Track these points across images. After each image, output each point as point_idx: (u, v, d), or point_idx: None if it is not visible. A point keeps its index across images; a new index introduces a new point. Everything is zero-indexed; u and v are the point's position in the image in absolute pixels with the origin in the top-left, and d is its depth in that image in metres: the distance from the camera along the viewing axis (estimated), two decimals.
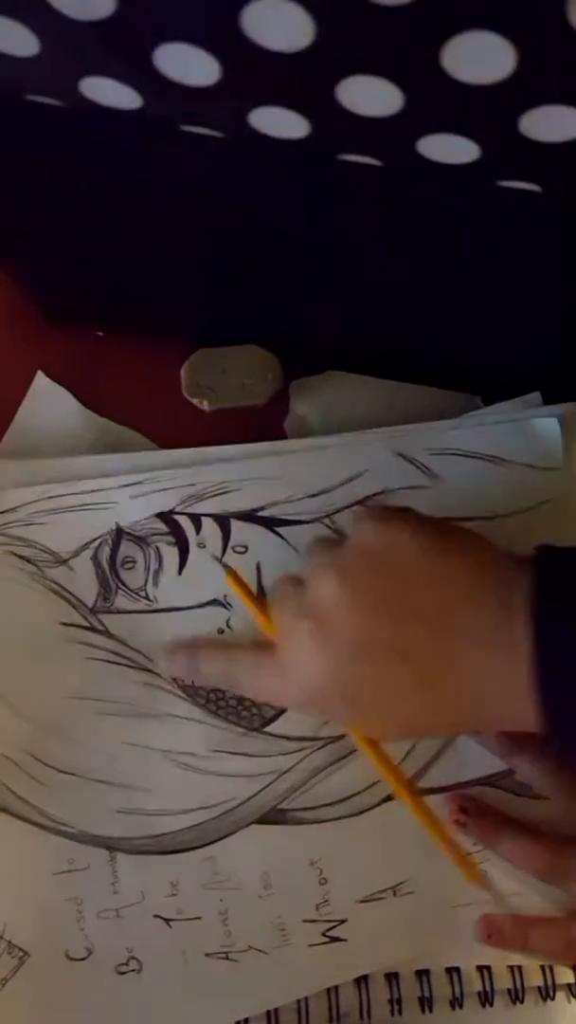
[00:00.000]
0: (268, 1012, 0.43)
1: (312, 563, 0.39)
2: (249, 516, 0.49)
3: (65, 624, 0.47)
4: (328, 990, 0.43)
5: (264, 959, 0.43)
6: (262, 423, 0.51)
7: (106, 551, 0.48)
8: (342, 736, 0.46)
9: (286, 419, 0.52)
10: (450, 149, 0.28)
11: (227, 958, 0.43)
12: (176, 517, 0.49)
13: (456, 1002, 0.43)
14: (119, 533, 0.48)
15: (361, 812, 0.45)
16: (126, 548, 0.48)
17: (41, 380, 0.52)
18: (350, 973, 0.43)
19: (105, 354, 0.52)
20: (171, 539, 0.48)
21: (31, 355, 0.52)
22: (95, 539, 0.48)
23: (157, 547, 0.48)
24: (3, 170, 0.36)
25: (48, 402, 0.51)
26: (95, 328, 0.52)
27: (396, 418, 0.48)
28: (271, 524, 0.49)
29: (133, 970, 0.43)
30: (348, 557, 0.38)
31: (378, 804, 0.45)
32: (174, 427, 0.51)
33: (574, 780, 0.44)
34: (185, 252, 0.40)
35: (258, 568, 0.48)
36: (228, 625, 0.48)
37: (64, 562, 0.48)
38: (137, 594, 0.48)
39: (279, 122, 0.28)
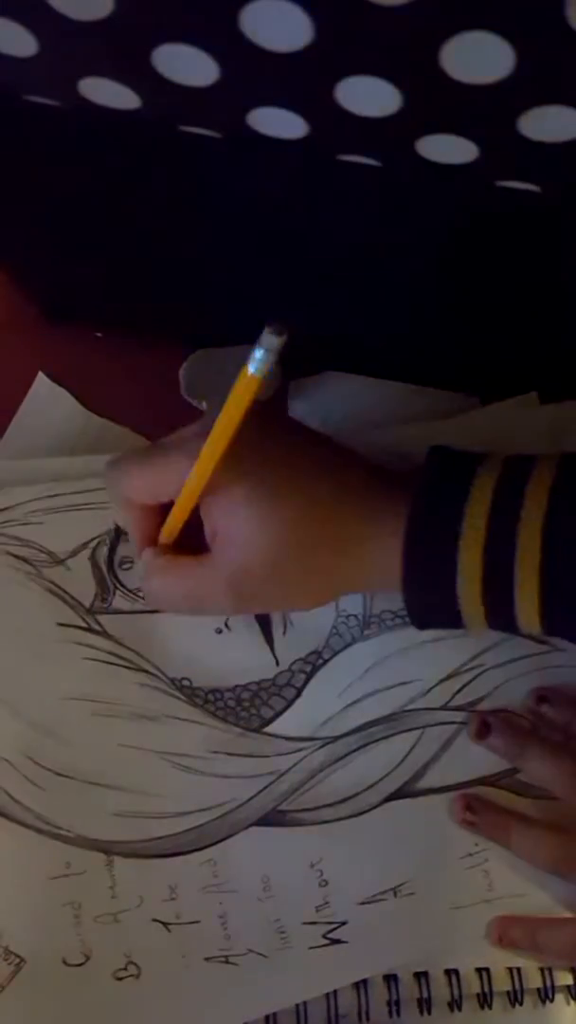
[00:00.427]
0: (267, 1015, 0.42)
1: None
2: None
3: (62, 624, 0.47)
4: (327, 992, 0.43)
5: (264, 962, 0.43)
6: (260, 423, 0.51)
7: (104, 551, 0.48)
8: (342, 736, 0.46)
9: None
10: (449, 149, 0.28)
11: (227, 962, 0.43)
12: None
13: (455, 1004, 0.43)
14: (117, 533, 0.48)
15: (361, 813, 0.45)
16: (124, 548, 0.48)
17: (41, 380, 0.52)
18: (351, 976, 0.43)
19: (105, 354, 0.52)
20: None
21: (31, 355, 0.52)
22: (93, 539, 0.48)
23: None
24: (2, 170, 0.36)
25: (48, 402, 0.51)
26: (95, 328, 0.52)
27: (395, 418, 0.48)
28: None
29: (131, 975, 0.43)
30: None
31: (378, 805, 0.45)
32: (173, 428, 0.50)
33: None
34: (184, 252, 0.40)
35: None
36: (226, 625, 0.48)
37: (61, 562, 0.48)
38: (135, 594, 0.48)
39: (278, 122, 0.28)
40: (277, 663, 0.47)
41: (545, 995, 0.44)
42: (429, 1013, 0.43)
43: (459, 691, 0.46)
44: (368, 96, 0.26)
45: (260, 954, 0.43)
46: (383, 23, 0.24)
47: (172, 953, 0.43)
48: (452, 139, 0.28)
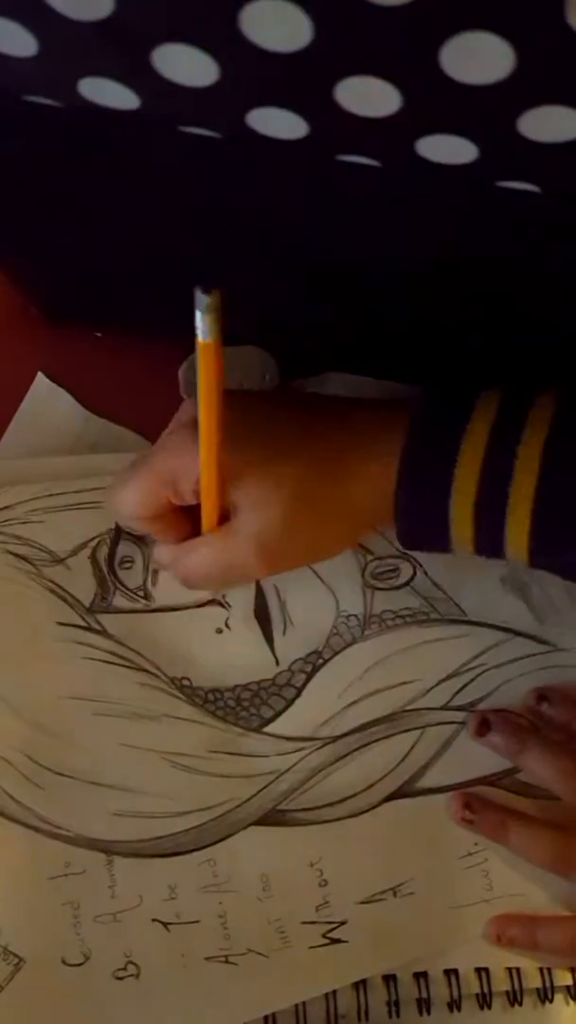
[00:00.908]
0: (267, 1015, 0.42)
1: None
2: None
3: (62, 624, 0.47)
4: (326, 992, 0.43)
5: (264, 962, 0.43)
6: None
7: (104, 550, 0.48)
8: (341, 736, 0.46)
9: None
10: (449, 149, 0.28)
11: (226, 961, 0.43)
12: None
13: (454, 1004, 0.43)
14: (118, 532, 0.48)
15: (361, 813, 0.45)
16: (124, 548, 0.48)
17: (41, 381, 0.52)
18: (351, 976, 0.43)
19: (104, 354, 0.52)
20: None
21: (31, 355, 0.52)
22: (93, 538, 0.48)
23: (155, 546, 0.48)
24: (2, 170, 0.36)
25: (48, 402, 0.51)
26: (94, 328, 0.52)
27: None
28: None
29: (131, 975, 0.43)
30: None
31: (378, 804, 0.45)
32: None
33: None
34: (184, 252, 0.40)
35: None
36: (227, 625, 0.48)
37: (61, 561, 0.48)
38: (135, 594, 0.48)
39: (277, 123, 0.28)
40: (277, 663, 0.47)
41: (544, 995, 0.44)
42: (429, 1013, 0.43)
43: (459, 691, 0.47)
44: (368, 96, 0.26)
45: (260, 954, 0.43)
46: (383, 23, 0.24)
47: (172, 953, 0.43)
48: (452, 139, 0.28)
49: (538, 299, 0.38)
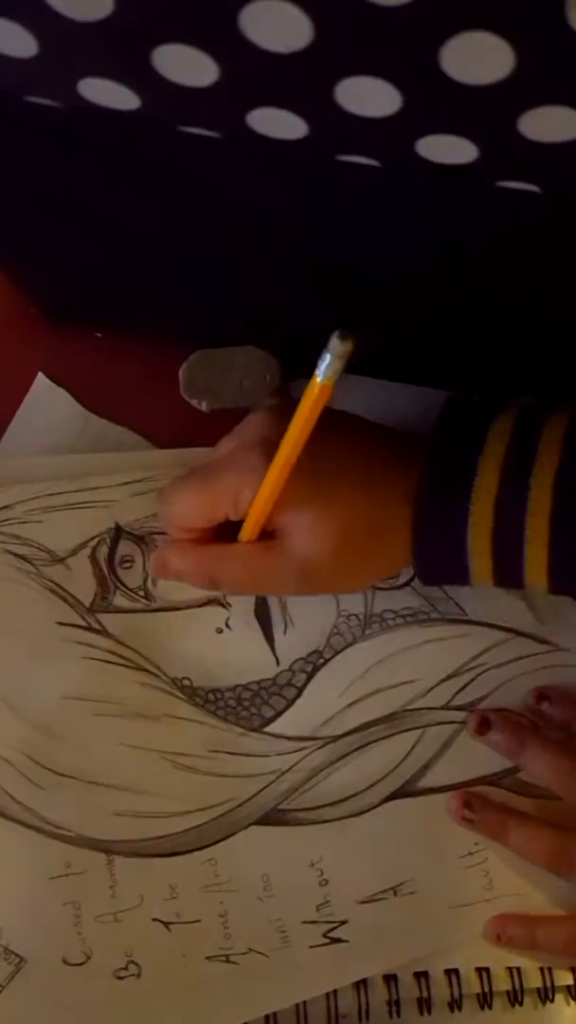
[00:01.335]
0: (267, 1014, 0.42)
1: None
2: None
3: (62, 623, 0.47)
4: (327, 992, 0.43)
5: (265, 962, 0.43)
6: None
7: (104, 550, 0.48)
8: (342, 736, 0.46)
9: None
10: (449, 149, 0.28)
11: (227, 961, 0.43)
12: None
13: (455, 1004, 0.43)
14: (118, 532, 0.48)
15: (361, 812, 0.45)
16: (125, 547, 0.48)
17: (41, 380, 0.52)
18: (352, 975, 0.43)
19: (104, 355, 0.52)
20: None
21: (31, 356, 0.52)
22: (93, 538, 0.48)
23: (156, 546, 0.48)
24: (1, 171, 0.36)
25: (48, 403, 0.51)
26: (95, 329, 0.52)
27: (395, 419, 0.48)
28: None
29: (132, 975, 0.42)
30: None
31: (379, 804, 0.45)
32: (173, 428, 0.51)
33: None
34: (184, 252, 0.40)
35: None
36: (227, 625, 0.48)
37: (61, 561, 0.48)
38: (135, 593, 0.48)
39: (277, 123, 0.28)
40: (278, 662, 0.47)
41: (545, 995, 0.43)
42: (429, 1013, 0.43)
43: (460, 691, 0.47)
44: (368, 96, 0.26)
45: (260, 953, 0.43)
46: (383, 23, 0.24)
47: (173, 952, 0.43)
48: (452, 139, 0.28)
49: (538, 299, 0.38)
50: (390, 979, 0.43)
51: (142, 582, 0.48)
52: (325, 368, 0.35)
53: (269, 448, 0.39)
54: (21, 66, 0.27)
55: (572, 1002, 0.44)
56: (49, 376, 0.52)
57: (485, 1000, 0.43)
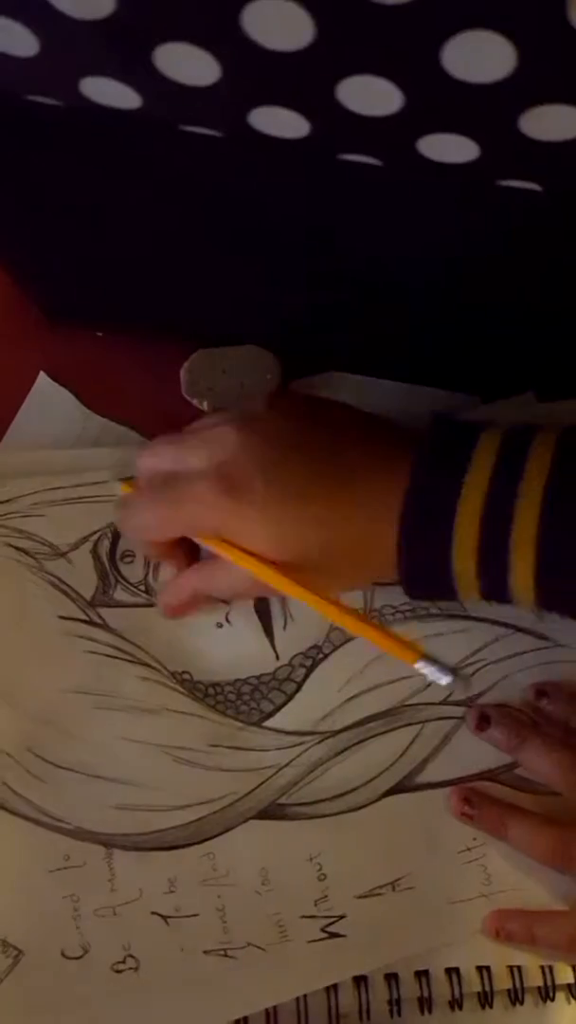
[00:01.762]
0: (267, 1013, 0.42)
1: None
2: None
3: (63, 617, 0.47)
4: (327, 990, 0.43)
5: (263, 956, 0.43)
6: None
7: (106, 544, 0.48)
8: (341, 731, 0.46)
9: None
10: (450, 148, 0.28)
11: (225, 955, 0.43)
12: None
13: (455, 1003, 0.43)
14: None
15: (360, 807, 0.45)
16: (126, 542, 0.48)
17: (42, 380, 0.52)
18: (350, 970, 0.43)
19: (106, 354, 0.52)
20: None
21: (32, 355, 0.52)
22: (95, 532, 0.48)
23: None
24: (3, 170, 0.36)
25: (49, 402, 0.52)
26: (96, 328, 0.52)
27: (395, 418, 0.48)
28: None
29: (130, 968, 0.43)
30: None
31: (377, 799, 0.45)
32: (174, 427, 0.50)
33: None
34: (185, 251, 0.40)
35: None
36: (227, 619, 0.48)
37: (63, 555, 0.48)
38: (136, 588, 0.48)
39: (279, 122, 0.28)
40: (277, 657, 0.47)
41: (546, 994, 0.43)
42: (430, 1012, 0.43)
43: None
44: (370, 95, 0.26)
45: (259, 947, 0.43)
46: (385, 22, 0.24)
47: (171, 946, 0.43)
48: (453, 138, 0.28)
49: (538, 297, 0.38)
50: (391, 978, 0.43)
51: (143, 576, 0.48)
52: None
53: (231, 472, 0.39)
54: (23, 65, 0.27)
55: (573, 1001, 0.44)
56: (50, 375, 0.52)
57: (486, 999, 0.43)
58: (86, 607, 0.47)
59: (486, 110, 0.26)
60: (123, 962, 0.43)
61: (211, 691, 0.46)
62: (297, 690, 0.47)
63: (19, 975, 0.42)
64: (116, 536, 0.48)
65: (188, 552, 0.45)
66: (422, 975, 0.43)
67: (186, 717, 0.46)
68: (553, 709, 0.46)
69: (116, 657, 0.46)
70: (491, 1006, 0.43)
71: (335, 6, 0.24)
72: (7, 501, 0.48)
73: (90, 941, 0.43)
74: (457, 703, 0.46)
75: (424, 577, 0.40)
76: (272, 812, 0.45)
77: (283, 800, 0.45)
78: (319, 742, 0.46)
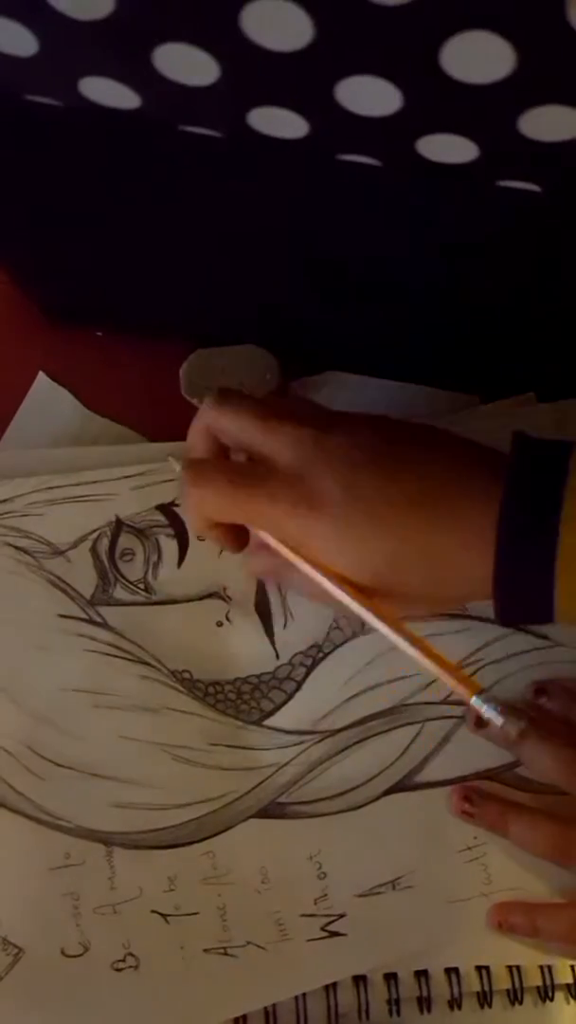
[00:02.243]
0: (267, 1012, 0.42)
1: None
2: None
3: (63, 616, 0.47)
4: (327, 990, 0.43)
5: (262, 954, 0.43)
6: None
7: (105, 543, 0.48)
8: (341, 730, 0.46)
9: None
10: (449, 149, 0.28)
11: (225, 953, 0.43)
12: (176, 509, 0.49)
13: (455, 1003, 0.43)
14: (119, 525, 0.48)
15: (360, 806, 0.45)
16: (125, 540, 0.48)
17: (42, 380, 0.52)
18: (350, 969, 0.43)
19: (105, 354, 0.52)
20: (171, 531, 0.48)
21: (31, 355, 0.52)
22: (94, 531, 0.48)
23: (157, 539, 0.48)
24: (2, 170, 0.36)
25: (48, 402, 0.52)
26: (95, 328, 0.52)
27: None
28: None
29: (130, 966, 0.43)
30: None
31: (377, 798, 0.45)
32: (173, 427, 0.50)
33: None
34: (184, 252, 0.40)
35: None
36: (227, 618, 0.48)
37: (62, 553, 0.48)
38: (136, 586, 0.48)
39: (278, 122, 0.28)
40: (277, 656, 0.47)
41: (545, 994, 0.43)
42: (429, 1011, 0.43)
43: None
44: (369, 96, 0.26)
45: (258, 946, 0.43)
46: (384, 23, 0.24)
47: (171, 945, 0.43)
48: (452, 139, 0.28)
49: (538, 297, 0.38)
50: (390, 978, 0.43)
51: (142, 575, 0.48)
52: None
53: (311, 482, 0.38)
54: (22, 65, 0.27)
55: (572, 1001, 0.44)
56: (50, 375, 0.52)
57: (485, 999, 0.43)
58: (85, 606, 0.47)
59: (485, 111, 0.26)
60: (123, 960, 0.43)
61: (211, 690, 0.46)
62: (297, 689, 0.47)
63: (19, 973, 0.42)
64: (115, 535, 0.48)
65: (239, 536, 0.44)
66: (421, 975, 0.43)
67: (186, 716, 0.46)
68: (553, 707, 0.46)
69: (116, 656, 0.46)
70: (490, 1006, 0.43)
71: (334, 6, 0.24)
72: (6, 500, 0.48)
73: (90, 939, 0.43)
74: (457, 703, 0.46)
75: (522, 611, 0.38)
76: (272, 811, 0.45)
77: (283, 799, 0.45)
78: (319, 741, 0.46)
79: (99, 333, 0.53)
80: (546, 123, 0.26)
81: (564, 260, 0.35)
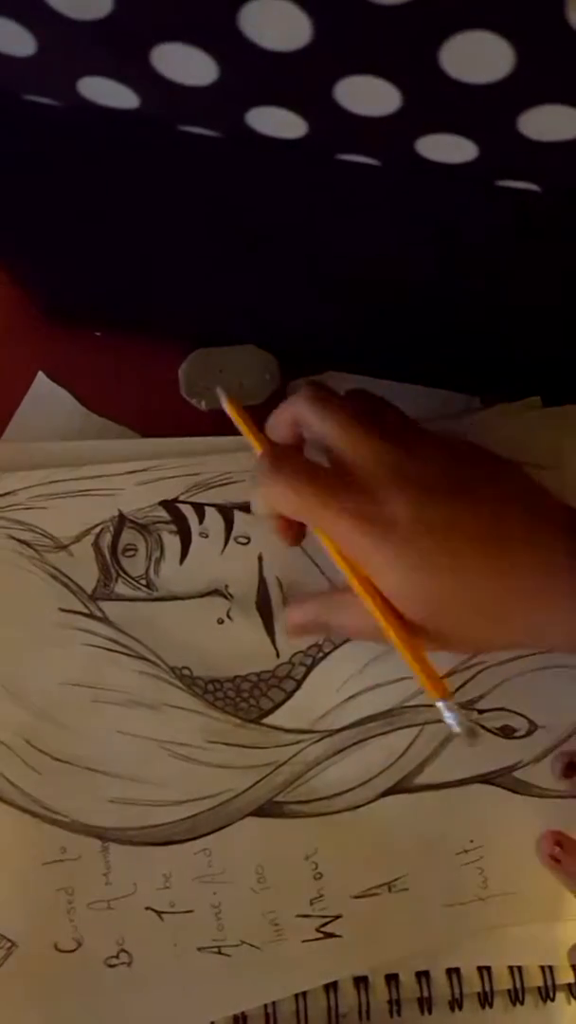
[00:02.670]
0: (267, 1012, 0.43)
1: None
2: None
3: (64, 610, 0.47)
4: (327, 991, 0.43)
5: (257, 954, 0.43)
6: (260, 423, 0.51)
7: (107, 538, 0.48)
8: (340, 730, 0.46)
9: None
10: (449, 149, 0.28)
11: (219, 952, 0.43)
12: (179, 506, 0.49)
13: (455, 1003, 0.43)
14: (121, 520, 0.48)
15: (357, 807, 0.45)
16: (128, 535, 0.48)
17: (41, 380, 0.52)
18: (345, 970, 0.43)
19: (105, 354, 0.53)
20: (174, 528, 0.48)
21: (31, 355, 0.52)
22: (97, 525, 0.48)
23: (159, 535, 0.48)
24: (2, 170, 0.36)
25: (48, 402, 0.52)
26: (95, 328, 0.52)
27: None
28: None
29: (123, 963, 0.43)
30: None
31: (375, 799, 0.45)
32: (173, 427, 0.51)
33: None
34: (184, 252, 0.40)
35: (260, 560, 0.48)
36: (228, 616, 0.48)
37: (64, 547, 0.48)
38: (137, 582, 0.48)
39: (277, 122, 0.28)
40: (278, 655, 0.47)
41: (546, 994, 0.43)
42: (430, 1012, 0.43)
43: (458, 688, 0.46)
44: (368, 95, 0.26)
45: (253, 946, 0.43)
46: (383, 22, 0.24)
47: (164, 942, 0.43)
48: (452, 138, 0.28)
49: (538, 299, 0.38)
50: (391, 978, 0.43)
51: (144, 570, 0.48)
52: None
53: (382, 501, 0.38)
54: (20, 65, 0.27)
55: (573, 1001, 0.44)
56: (49, 375, 0.52)
57: (486, 999, 0.43)
58: (87, 600, 0.47)
59: (485, 110, 0.26)
60: (116, 956, 0.43)
61: (210, 687, 0.46)
62: (297, 688, 0.47)
63: (11, 967, 0.42)
64: (118, 530, 0.48)
65: (298, 531, 0.44)
66: (422, 976, 0.43)
67: (185, 712, 0.46)
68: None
69: (116, 651, 0.47)
70: (491, 1006, 0.43)
71: (333, 6, 0.23)
72: (8, 493, 0.48)
73: (84, 934, 0.43)
74: (458, 707, 0.46)
75: None
76: (269, 810, 0.45)
77: (280, 798, 0.45)
78: (318, 741, 0.46)
79: (99, 333, 0.53)
80: (546, 123, 0.26)
81: (563, 260, 0.35)
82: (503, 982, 0.43)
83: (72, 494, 0.49)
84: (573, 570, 0.37)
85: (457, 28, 0.23)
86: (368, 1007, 0.43)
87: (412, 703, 0.46)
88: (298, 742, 0.46)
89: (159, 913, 0.43)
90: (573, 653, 0.39)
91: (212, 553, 0.48)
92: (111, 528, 0.48)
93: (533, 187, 0.30)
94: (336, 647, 0.47)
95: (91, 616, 0.47)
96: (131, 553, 0.48)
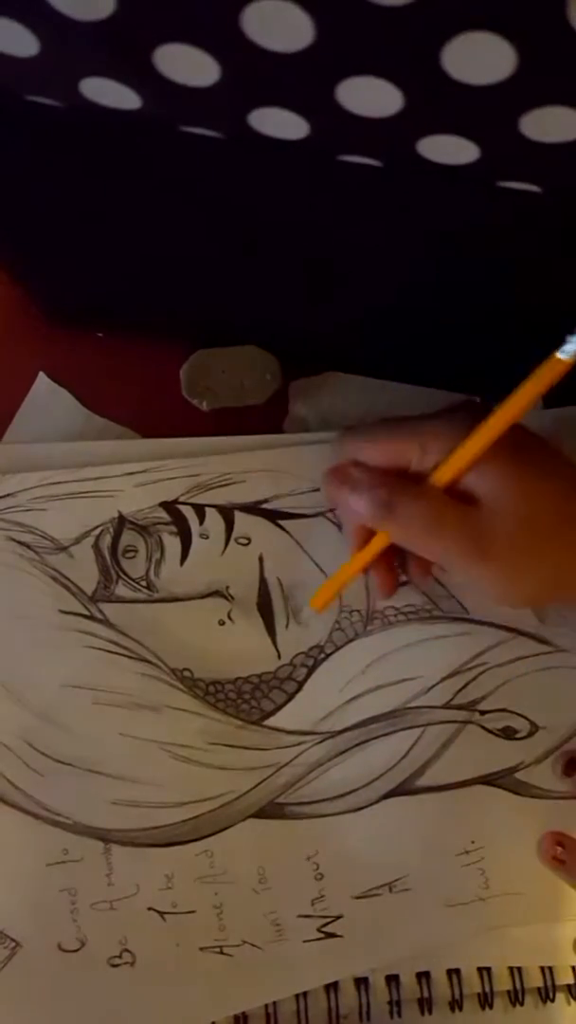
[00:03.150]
0: (267, 1013, 0.43)
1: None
2: (252, 508, 0.49)
3: (64, 612, 0.47)
4: (328, 991, 0.43)
5: (258, 954, 0.43)
6: (261, 424, 0.51)
7: (108, 539, 0.48)
8: (341, 731, 0.46)
9: (285, 420, 0.52)
10: (450, 150, 0.28)
11: (221, 952, 0.43)
12: (180, 507, 0.49)
13: (456, 1004, 0.43)
14: (121, 521, 0.48)
15: (359, 808, 0.45)
16: (128, 537, 0.48)
17: (42, 380, 0.52)
18: (346, 970, 0.43)
19: (105, 355, 0.52)
20: (174, 529, 0.48)
21: (32, 356, 0.52)
22: (97, 527, 0.48)
23: (160, 536, 0.48)
24: (3, 171, 0.36)
25: (49, 402, 0.52)
26: (96, 329, 0.52)
27: None
28: (274, 517, 0.49)
29: (126, 963, 0.43)
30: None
31: (377, 801, 0.45)
32: (174, 427, 0.51)
33: None
34: (185, 253, 0.40)
35: (260, 561, 0.48)
36: (229, 617, 0.48)
37: (64, 549, 0.48)
38: (138, 583, 0.48)
39: (279, 123, 0.28)
40: (279, 656, 0.47)
41: (546, 995, 0.44)
42: (430, 1013, 0.43)
43: (461, 689, 0.47)
44: (369, 96, 0.26)
45: (255, 946, 0.43)
46: (384, 23, 0.24)
47: (167, 942, 0.43)
48: (453, 140, 0.28)
49: (538, 299, 0.38)
50: (391, 979, 0.43)
51: (144, 572, 0.48)
52: (571, 347, 0.36)
53: (470, 421, 0.39)
54: (22, 65, 0.27)
55: (573, 1001, 0.44)
56: (50, 376, 0.52)
57: (486, 1000, 0.43)
58: (87, 602, 0.47)
59: (486, 111, 0.26)
60: (119, 956, 0.43)
61: (211, 689, 0.46)
62: (298, 690, 0.47)
63: (16, 967, 0.42)
64: (118, 531, 0.48)
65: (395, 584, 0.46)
66: (423, 976, 0.43)
67: (186, 714, 0.46)
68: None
69: (116, 653, 0.47)
70: (491, 1007, 0.43)
71: (335, 7, 0.24)
72: (9, 495, 0.48)
73: (87, 935, 0.43)
74: (459, 707, 0.46)
75: None
76: (271, 811, 0.45)
77: (282, 799, 0.45)
78: (319, 742, 0.46)
79: (100, 334, 0.53)
80: (547, 124, 0.26)
81: (564, 262, 0.35)
82: (503, 983, 0.43)
83: (72, 496, 0.49)
84: None
85: (459, 29, 0.23)
86: (369, 1007, 0.43)
87: (414, 705, 0.46)
88: (300, 744, 0.46)
89: (161, 913, 0.43)
90: None
91: (213, 554, 0.48)
92: (111, 529, 0.48)
93: (534, 188, 0.30)
94: (338, 648, 0.47)
95: (91, 618, 0.47)
96: (131, 554, 0.48)
